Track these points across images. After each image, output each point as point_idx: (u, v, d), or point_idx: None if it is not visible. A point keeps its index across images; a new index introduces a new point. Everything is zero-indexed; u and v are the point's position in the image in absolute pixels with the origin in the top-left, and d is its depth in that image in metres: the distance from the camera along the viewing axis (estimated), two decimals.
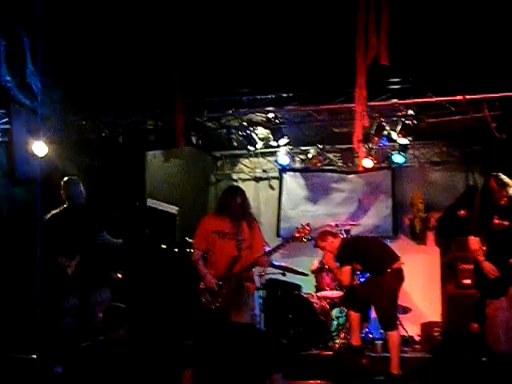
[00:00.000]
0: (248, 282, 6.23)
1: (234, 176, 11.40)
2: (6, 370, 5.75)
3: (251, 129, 8.94)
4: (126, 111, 8.26)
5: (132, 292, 7.38)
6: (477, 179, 9.93)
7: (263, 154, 10.82)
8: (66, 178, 6.71)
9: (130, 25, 6.80)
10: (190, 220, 9.05)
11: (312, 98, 7.98)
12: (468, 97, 7.41)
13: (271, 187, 11.22)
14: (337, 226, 9.34)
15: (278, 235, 10.60)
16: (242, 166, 11.35)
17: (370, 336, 8.57)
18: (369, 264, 7.22)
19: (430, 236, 10.00)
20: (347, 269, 7.17)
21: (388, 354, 7.02)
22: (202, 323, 5.95)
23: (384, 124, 8.49)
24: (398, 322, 7.23)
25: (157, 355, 5.65)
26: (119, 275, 7.12)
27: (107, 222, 6.72)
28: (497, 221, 6.14)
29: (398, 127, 8.47)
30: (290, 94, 8.01)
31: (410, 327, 8.80)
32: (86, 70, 7.03)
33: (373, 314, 8.48)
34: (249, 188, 11.29)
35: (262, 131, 9.19)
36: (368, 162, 9.35)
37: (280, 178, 11.03)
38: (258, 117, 8.82)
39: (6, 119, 7.30)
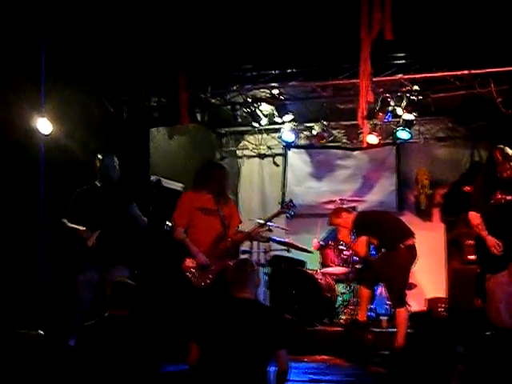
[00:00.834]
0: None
1: (239, 153, 11.38)
2: (15, 346, 5.76)
3: (256, 105, 8.90)
4: (130, 88, 8.23)
5: (136, 270, 7.36)
6: (482, 155, 9.89)
7: (267, 131, 10.78)
8: (101, 154, 6.64)
9: (135, 0, 6.76)
10: None
11: (317, 74, 7.93)
12: (474, 71, 7.35)
13: (275, 164, 11.19)
14: (341, 202, 9.34)
15: None
16: (246, 142, 11.31)
17: (376, 312, 8.60)
18: (383, 238, 7.17)
19: (436, 212, 9.99)
20: (363, 239, 7.14)
21: (393, 330, 7.05)
22: (193, 301, 5.93)
23: (389, 100, 8.45)
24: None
25: (162, 333, 5.66)
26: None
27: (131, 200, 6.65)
28: (499, 195, 6.10)
29: (403, 103, 8.43)
30: (295, 70, 7.95)
31: (415, 303, 8.83)
32: (89, 46, 6.99)
33: (378, 291, 8.53)
34: (253, 165, 11.33)
35: (266, 108, 9.14)
36: (373, 138, 9.34)
37: (284, 155, 11.00)
38: (263, 93, 8.78)
39: None
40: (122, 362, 4.71)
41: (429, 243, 9.44)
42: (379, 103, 8.43)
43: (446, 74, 7.54)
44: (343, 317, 8.24)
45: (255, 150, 11.28)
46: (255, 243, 8.35)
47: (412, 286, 8.99)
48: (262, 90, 8.61)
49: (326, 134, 10.19)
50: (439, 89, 8.04)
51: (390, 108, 8.57)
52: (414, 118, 8.87)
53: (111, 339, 4.79)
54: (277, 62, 7.76)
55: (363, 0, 6.07)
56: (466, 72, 7.37)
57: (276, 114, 9.21)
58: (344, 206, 8.87)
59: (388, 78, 7.72)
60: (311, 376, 6.12)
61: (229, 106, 9.08)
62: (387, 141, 10.15)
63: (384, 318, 8.12)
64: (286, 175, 10.96)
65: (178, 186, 9.75)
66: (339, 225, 7.56)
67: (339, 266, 8.85)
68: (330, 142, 10.60)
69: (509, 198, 6.09)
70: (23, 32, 6.24)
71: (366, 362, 6.92)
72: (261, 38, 7.06)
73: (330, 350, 7.23)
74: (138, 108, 8.41)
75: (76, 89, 7.22)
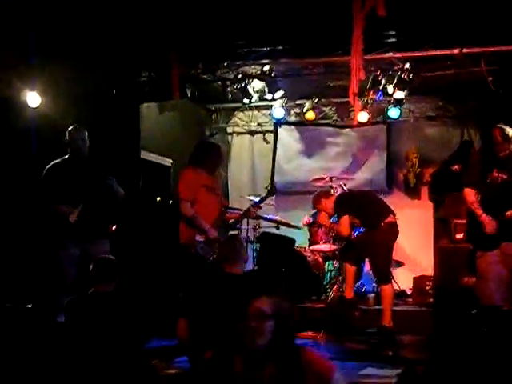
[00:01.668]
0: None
1: (229, 129, 11.35)
2: (6, 320, 5.76)
3: (246, 82, 8.86)
4: (120, 63, 8.17)
5: (126, 244, 7.36)
6: (472, 134, 9.93)
7: (258, 108, 10.76)
8: (71, 127, 6.57)
9: None
10: None
11: (308, 51, 7.89)
12: (465, 50, 7.33)
13: (266, 141, 11.18)
14: (331, 179, 9.35)
15: None
16: (236, 119, 11.27)
17: (363, 289, 8.66)
18: (364, 217, 7.24)
19: (424, 191, 10.01)
20: (345, 219, 7.17)
21: (380, 307, 7.09)
22: (197, 274, 5.97)
23: (380, 78, 8.44)
24: (391, 276, 7.30)
25: (149, 307, 5.67)
26: (113, 227, 7.07)
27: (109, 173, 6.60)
28: (496, 173, 6.07)
29: (394, 81, 8.42)
30: (286, 47, 7.92)
31: (403, 281, 8.89)
32: (80, 21, 6.93)
33: (365, 268, 8.57)
34: (243, 141, 11.30)
35: (257, 84, 9.11)
36: (363, 116, 9.33)
37: (275, 132, 10.97)
38: (253, 69, 8.74)
39: None
40: (109, 338, 4.66)
41: (417, 221, 9.49)
42: (370, 81, 8.42)
43: (437, 52, 7.52)
44: (331, 293, 8.29)
45: (245, 127, 11.25)
46: (244, 220, 8.36)
47: (400, 264, 9.07)
48: (252, 66, 8.57)
49: (316, 111, 10.17)
50: (430, 67, 8.03)
51: (381, 86, 8.56)
52: (404, 96, 8.87)
53: (97, 315, 4.73)
54: (268, 38, 7.71)
55: None
56: (456, 51, 7.36)
57: (267, 90, 9.19)
58: (332, 185, 8.94)
59: (379, 55, 7.70)
60: None
61: (219, 82, 9.03)
62: (377, 119, 10.16)
63: (371, 295, 8.17)
64: (276, 152, 10.94)
65: (167, 161, 9.75)
66: (319, 209, 7.65)
67: (327, 243, 8.88)
68: (321, 119, 10.60)
69: (505, 177, 6.05)
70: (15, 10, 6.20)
71: (353, 339, 7.00)
72: (252, 14, 7.01)
73: (317, 327, 7.28)
74: (128, 83, 8.36)
75: (66, 64, 7.16)
